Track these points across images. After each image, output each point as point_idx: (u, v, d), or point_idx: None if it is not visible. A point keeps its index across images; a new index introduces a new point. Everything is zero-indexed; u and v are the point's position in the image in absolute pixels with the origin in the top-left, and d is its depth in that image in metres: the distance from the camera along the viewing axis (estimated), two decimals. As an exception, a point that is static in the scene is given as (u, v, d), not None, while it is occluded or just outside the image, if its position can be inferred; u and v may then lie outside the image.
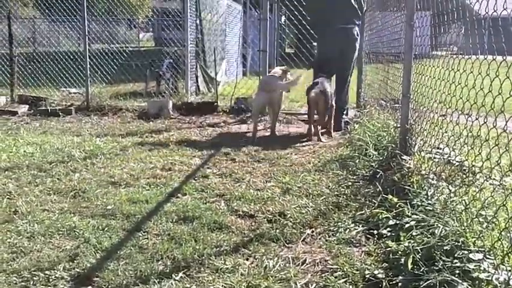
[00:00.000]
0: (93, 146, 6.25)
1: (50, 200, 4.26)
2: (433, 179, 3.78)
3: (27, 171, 5.11)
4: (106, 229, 3.63)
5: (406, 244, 3.05)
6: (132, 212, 3.95)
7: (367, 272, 2.97)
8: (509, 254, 2.54)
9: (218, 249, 3.32)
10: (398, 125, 4.83)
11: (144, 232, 3.59)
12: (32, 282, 2.89)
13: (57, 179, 4.88)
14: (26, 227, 3.66)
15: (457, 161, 3.91)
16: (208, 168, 5.37)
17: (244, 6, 16.10)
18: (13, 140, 6.57)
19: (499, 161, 2.78)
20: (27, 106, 9.45)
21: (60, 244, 3.40)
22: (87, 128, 7.66)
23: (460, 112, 3.44)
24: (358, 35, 7.50)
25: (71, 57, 11.41)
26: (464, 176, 3.67)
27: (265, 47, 8.94)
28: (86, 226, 3.67)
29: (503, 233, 2.65)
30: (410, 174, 4.11)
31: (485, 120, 2.99)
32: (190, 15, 9.91)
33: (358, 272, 2.99)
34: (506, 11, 2.79)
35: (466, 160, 3.76)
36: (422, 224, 3.21)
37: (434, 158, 3.99)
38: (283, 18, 11.28)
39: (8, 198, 4.30)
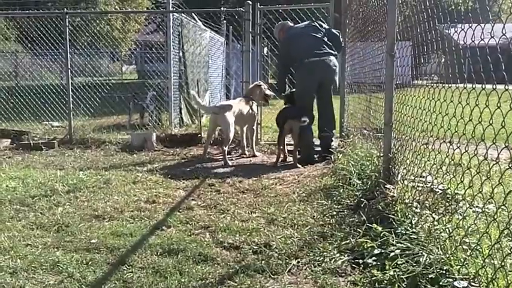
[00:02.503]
0: (76, 179, 6.21)
1: (33, 235, 4.21)
2: (416, 208, 3.80)
3: (10, 206, 5.06)
4: (90, 263, 3.59)
5: (392, 273, 3.06)
6: (116, 246, 3.91)
7: (353, 302, 2.97)
8: (494, 281, 2.56)
9: (203, 281, 3.29)
10: (381, 154, 4.86)
11: (128, 266, 3.55)
12: (14, 319, 2.85)
13: (40, 213, 4.84)
14: (8, 262, 3.61)
15: (440, 189, 3.93)
16: (192, 200, 5.36)
17: (226, 38, 16.24)
18: (-5, 175, 6.52)
19: (481, 189, 2.81)
20: (10, 140, 9.39)
21: (43, 279, 3.35)
22: (70, 162, 7.62)
23: (442, 140, 3.49)
24: (336, 66, 7.59)
25: (54, 90, 11.40)
26: (447, 203, 3.70)
27: (248, 78, 9.02)
28: (69, 260, 3.62)
29: (487, 260, 2.67)
30: (394, 203, 4.13)
31: (467, 149, 3.03)
32: (173, 48, 9.99)
33: (344, 302, 2.98)
34: (484, 41, 2.86)
35: (449, 188, 3.80)
36: (407, 252, 3.22)
37: (418, 186, 4.01)
38: (265, 49, 11.40)
39: (-11, 233, 4.25)
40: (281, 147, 7.39)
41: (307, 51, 7.46)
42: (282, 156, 7.43)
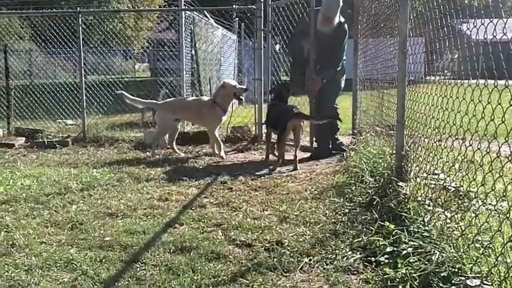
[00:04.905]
0: (90, 177, 6.26)
1: (48, 233, 4.25)
2: (429, 205, 3.79)
3: (25, 204, 5.11)
4: (104, 261, 3.63)
5: (404, 271, 3.06)
6: (130, 243, 3.94)
7: (365, 299, 2.97)
8: (507, 280, 2.55)
9: (216, 279, 3.31)
10: (394, 152, 4.85)
11: (141, 263, 3.58)
12: (29, 316, 2.88)
13: (55, 211, 4.88)
14: (23, 260, 3.65)
15: (452, 187, 3.92)
16: (205, 197, 5.38)
17: (238, 35, 16.24)
18: (10, 173, 6.58)
19: (494, 186, 2.80)
20: (24, 138, 9.48)
21: (58, 277, 3.38)
22: (84, 160, 7.67)
23: (454, 138, 3.48)
24: None
25: (67, 88, 11.47)
26: (460, 201, 3.69)
27: (260, 76, 9.01)
28: (83, 258, 3.66)
29: (499, 258, 2.66)
30: (406, 200, 4.12)
31: (479, 146, 3.02)
32: (186, 46, 10.00)
33: (356, 300, 2.99)
34: (496, 38, 2.84)
35: (462, 185, 3.78)
36: (419, 250, 3.22)
37: (430, 184, 4.00)
38: (277, 46, 11.34)
39: (5, 231, 4.29)
40: (282, 147, 7.15)
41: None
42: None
